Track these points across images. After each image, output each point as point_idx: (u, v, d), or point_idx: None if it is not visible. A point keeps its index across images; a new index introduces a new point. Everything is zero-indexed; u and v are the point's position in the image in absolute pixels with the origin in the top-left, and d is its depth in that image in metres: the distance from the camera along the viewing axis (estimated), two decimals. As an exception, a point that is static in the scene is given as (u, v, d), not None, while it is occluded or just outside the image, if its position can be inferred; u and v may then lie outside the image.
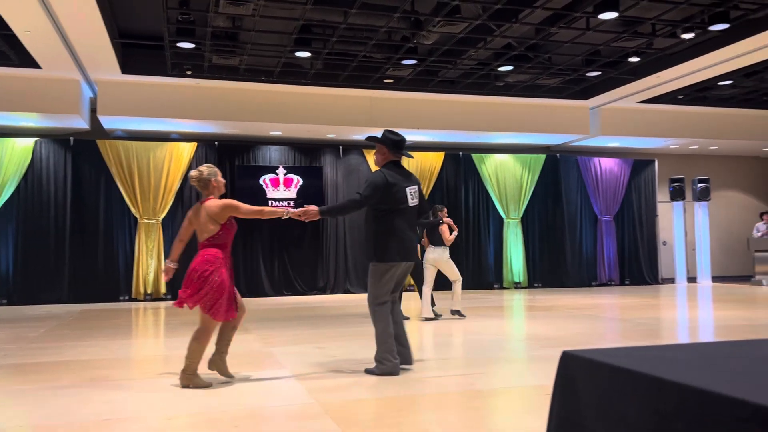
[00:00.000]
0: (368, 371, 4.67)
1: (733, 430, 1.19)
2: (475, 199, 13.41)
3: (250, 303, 10.84)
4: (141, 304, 10.91)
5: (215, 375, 4.65)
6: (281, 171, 12.11)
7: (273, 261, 12.09)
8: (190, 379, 4.35)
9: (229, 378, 4.56)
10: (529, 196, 13.52)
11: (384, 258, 4.60)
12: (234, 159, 12.15)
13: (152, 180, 11.50)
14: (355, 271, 12.57)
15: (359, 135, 12.20)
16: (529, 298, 11.33)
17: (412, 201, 4.74)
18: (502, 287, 13.28)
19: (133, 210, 11.47)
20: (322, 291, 12.35)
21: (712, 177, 14.90)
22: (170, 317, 8.94)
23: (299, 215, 4.72)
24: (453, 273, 8.14)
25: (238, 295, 4.60)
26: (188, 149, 11.77)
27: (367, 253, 4.70)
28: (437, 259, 8.09)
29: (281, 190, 12.00)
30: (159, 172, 11.55)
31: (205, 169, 4.58)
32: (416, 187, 4.81)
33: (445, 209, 8.38)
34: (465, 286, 12.89)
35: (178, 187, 11.67)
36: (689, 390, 1.29)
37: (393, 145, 4.81)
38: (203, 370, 4.53)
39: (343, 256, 12.56)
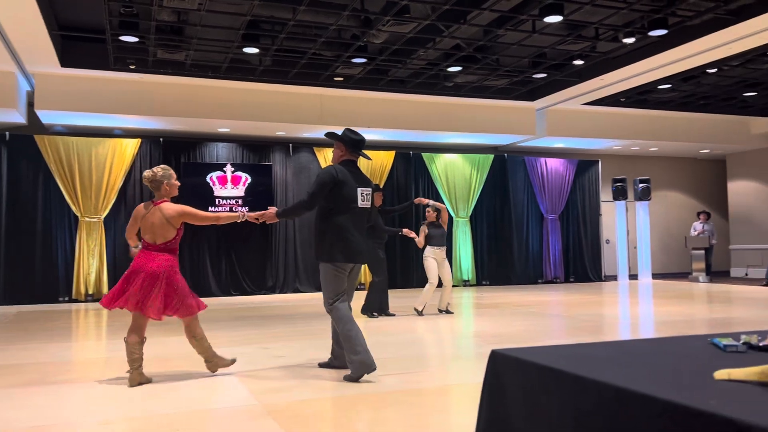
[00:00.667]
0: (347, 378, 4.44)
1: (646, 426, 1.23)
2: (425, 198, 13.49)
3: (197, 303, 10.62)
4: (82, 306, 10.56)
5: (164, 372, 4.54)
6: (229, 168, 11.92)
7: (220, 260, 11.89)
8: (214, 364, 4.65)
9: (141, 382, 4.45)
10: (478, 195, 13.70)
11: (329, 258, 4.52)
12: (180, 156, 11.89)
13: (94, 177, 11.14)
14: (305, 271, 12.48)
15: (309, 133, 12.12)
16: (477, 295, 11.49)
17: (363, 202, 4.62)
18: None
19: (73, 208, 11.09)
20: (271, 291, 12.22)
21: (652, 177, 15.42)
22: (112, 319, 8.69)
23: (257, 218, 4.70)
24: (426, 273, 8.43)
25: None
26: (132, 146, 11.46)
27: (316, 251, 4.62)
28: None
29: (229, 188, 11.81)
30: (101, 169, 11.20)
31: (159, 170, 4.58)
32: (369, 190, 4.69)
33: (431, 211, 8.49)
34: (415, 285, 13.03)
35: (121, 185, 11.35)
36: (607, 387, 1.33)
37: (351, 144, 4.72)
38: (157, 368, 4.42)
39: (293, 255, 12.45)
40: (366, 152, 13.71)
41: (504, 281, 13.71)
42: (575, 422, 1.38)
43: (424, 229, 8.43)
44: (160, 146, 11.78)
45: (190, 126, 11.48)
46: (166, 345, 6.17)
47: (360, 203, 4.62)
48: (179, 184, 4.72)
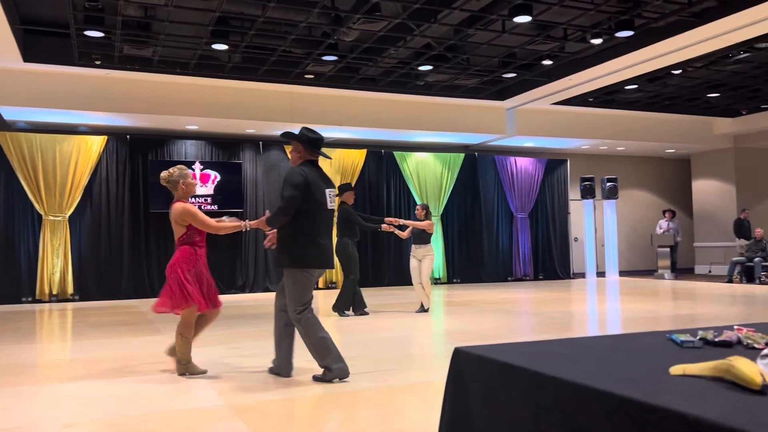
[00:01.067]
0: (316, 378, 4.38)
1: (602, 421, 1.25)
2: (396, 197, 13.53)
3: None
4: (46, 306, 10.34)
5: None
6: (198, 166, 11.78)
7: (189, 259, 11.72)
8: (185, 367, 4.60)
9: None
10: (449, 194, 13.78)
11: (302, 263, 4.31)
12: (147, 153, 11.70)
13: (58, 175, 10.90)
14: (275, 270, 12.39)
15: (280, 130, 11.93)
16: (447, 293, 11.55)
17: (331, 204, 4.45)
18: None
19: (37, 206, 10.83)
20: (241, 290, 12.12)
21: (619, 176, 15.68)
22: (77, 319, 8.53)
23: (257, 225, 4.54)
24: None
25: (216, 293, 4.81)
26: (98, 143, 11.25)
27: (282, 258, 4.38)
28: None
29: (198, 186, 11.66)
30: (66, 167, 10.96)
31: (175, 170, 4.72)
32: (334, 190, 4.53)
33: (420, 209, 8.58)
34: (387, 283, 13.05)
35: (86, 183, 11.13)
36: (564, 384, 1.34)
37: (309, 143, 4.49)
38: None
39: (263, 253, 12.36)
40: (338, 150, 13.49)
41: (474, 279, 13.81)
42: (534, 418, 1.40)
43: (411, 226, 8.58)
44: (127, 143, 11.58)
45: (158, 123, 11.31)
46: (131, 346, 6.09)
47: (329, 205, 4.45)
48: (197, 183, 4.80)
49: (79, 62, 9.50)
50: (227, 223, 4.73)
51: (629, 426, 1.19)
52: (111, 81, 10.27)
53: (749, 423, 1.04)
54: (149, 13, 7.97)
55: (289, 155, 4.78)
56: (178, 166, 4.75)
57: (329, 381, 4.32)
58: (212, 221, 4.68)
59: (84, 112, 10.33)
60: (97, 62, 9.58)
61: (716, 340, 1.88)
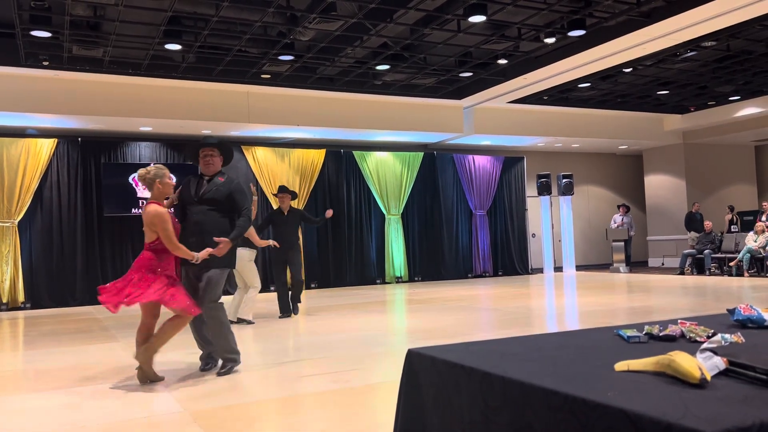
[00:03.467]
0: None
1: (548, 418, 1.28)
2: (357, 196, 13.53)
3: (121, 308, 10.25)
4: (-5, 315, 9.99)
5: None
6: (153, 169, 11.52)
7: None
8: (146, 375, 4.45)
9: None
10: (409, 193, 13.84)
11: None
12: (100, 156, 11.41)
13: (6, 179, 10.55)
14: (231, 272, 12.23)
15: (237, 131, 11.90)
16: (409, 291, 11.61)
17: None
18: (384, 282, 13.50)
19: (-16, 212, 10.47)
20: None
21: (574, 173, 16.00)
22: (30, 328, 8.27)
23: (212, 254, 4.54)
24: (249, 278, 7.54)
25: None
26: (47, 146, 10.92)
27: (224, 258, 4.67)
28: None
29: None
30: (14, 171, 10.61)
31: (153, 168, 4.59)
32: None
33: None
34: (349, 283, 13.04)
35: (36, 187, 10.80)
36: (513, 383, 1.37)
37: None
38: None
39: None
40: (296, 150, 13.37)
41: (435, 277, 13.92)
42: (485, 418, 1.42)
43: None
44: (78, 146, 11.28)
45: (110, 125, 11.04)
46: (86, 354, 5.94)
47: None
48: (174, 183, 4.69)
49: (25, 63, 9.21)
50: (183, 249, 4.48)
51: (574, 423, 1.22)
52: (60, 82, 9.98)
53: (685, 417, 1.08)
54: (99, 13, 7.77)
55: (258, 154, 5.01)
56: (157, 165, 4.68)
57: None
58: (174, 238, 4.42)
59: (32, 114, 10.02)
60: (45, 63, 9.30)
61: (661, 334, 1.95)
